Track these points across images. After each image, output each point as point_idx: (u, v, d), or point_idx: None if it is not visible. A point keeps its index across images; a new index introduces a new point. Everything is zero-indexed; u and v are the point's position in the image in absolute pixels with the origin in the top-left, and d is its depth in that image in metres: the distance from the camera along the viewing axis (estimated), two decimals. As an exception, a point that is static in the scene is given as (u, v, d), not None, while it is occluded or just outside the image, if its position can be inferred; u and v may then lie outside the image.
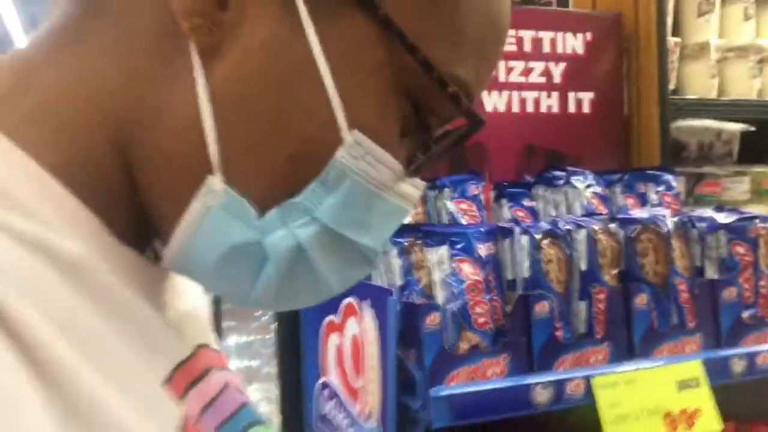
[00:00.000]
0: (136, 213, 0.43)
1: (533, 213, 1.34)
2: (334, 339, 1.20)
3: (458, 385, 0.99)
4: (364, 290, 1.07)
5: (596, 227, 1.10)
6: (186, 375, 0.44)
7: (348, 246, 0.43)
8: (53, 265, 0.36)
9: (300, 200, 0.41)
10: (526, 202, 1.35)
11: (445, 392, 0.96)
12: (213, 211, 0.41)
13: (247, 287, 0.43)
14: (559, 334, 1.06)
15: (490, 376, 1.01)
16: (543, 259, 1.07)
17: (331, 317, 1.20)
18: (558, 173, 1.37)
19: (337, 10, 0.41)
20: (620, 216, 1.15)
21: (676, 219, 1.16)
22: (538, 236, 1.07)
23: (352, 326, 1.13)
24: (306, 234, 0.42)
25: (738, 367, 1.16)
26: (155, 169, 0.42)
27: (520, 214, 1.33)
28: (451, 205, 1.26)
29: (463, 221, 1.23)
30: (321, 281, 0.44)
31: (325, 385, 1.23)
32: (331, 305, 1.18)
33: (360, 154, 0.42)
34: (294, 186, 0.41)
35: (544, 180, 1.38)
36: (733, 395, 1.16)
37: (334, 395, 1.20)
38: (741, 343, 1.19)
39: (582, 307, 1.08)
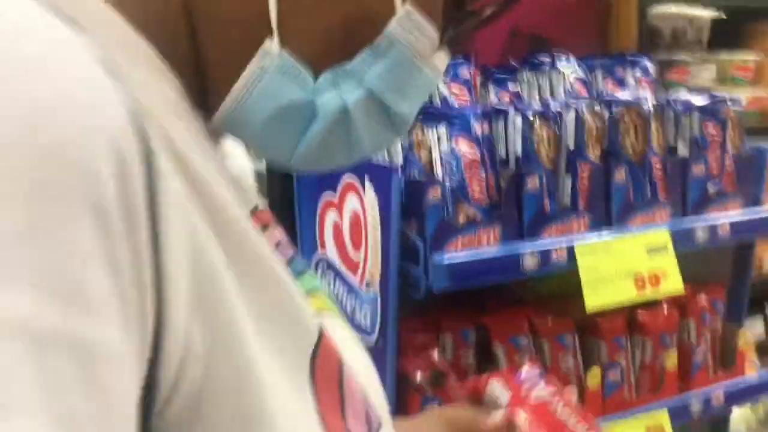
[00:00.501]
0: (196, 85, 0.46)
1: (518, 97, 1.41)
2: (331, 215, 1.28)
3: (456, 252, 1.08)
4: (365, 168, 1.14)
5: (584, 108, 1.18)
6: (257, 221, 0.50)
7: (386, 112, 0.46)
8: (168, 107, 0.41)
9: (352, 66, 0.45)
10: (512, 86, 1.42)
11: (445, 259, 1.06)
12: (269, 73, 0.44)
13: (292, 145, 0.46)
14: (547, 206, 1.15)
15: (485, 245, 1.11)
16: (535, 138, 1.15)
17: (328, 195, 1.27)
18: (543, 58, 1.43)
19: None
20: (605, 97, 1.23)
21: (655, 100, 1.25)
22: (530, 117, 1.15)
23: (351, 203, 1.21)
24: (353, 97, 0.45)
25: (701, 235, 1.28)
26: (218, 33, 0.45)
27: (506, 98, 1.40)
28: (443, 88, 1.32)
29: (456, 104, 1.29)
30: (357, 144, 0.47)
31: (320, 260, 1.32)
32: (328, 184, 1.25)
33: (409, 27, 0.45)
34: (346, 52, 0.45)
35: (530, 64, 1.44)
36: (695, 260, 1.30)
37: (330, 268, 1.29)
38: (705, 214, 1.31)
39: (567, 182, 1.18)
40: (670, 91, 1.48)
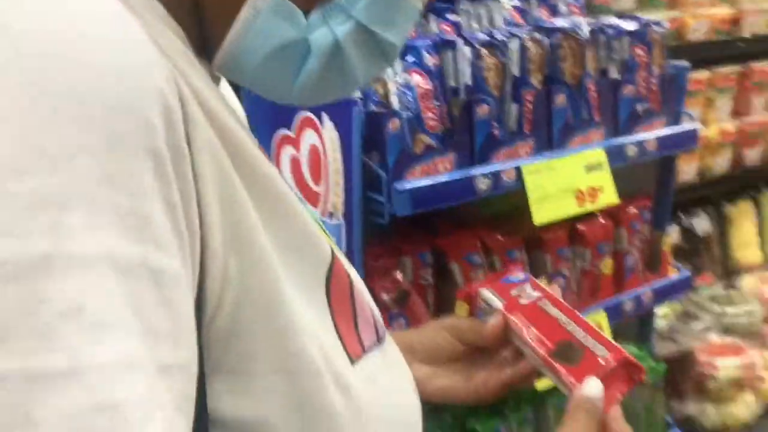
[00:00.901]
0: (195, 32, 0.49)
1: (458, 26, 1.46)
2: (288, 150, 1.32)
3: (416, 179, 1.15)
4: (321, 105, 1.18)
5: (526, 36, 1.25)
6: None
7: (375, 42, 0.49)
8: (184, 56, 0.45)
9: (338, 1, 0.48)
10: (452, 17, 1.46)
11: (406, 186, 1.13)
12: (263, 14, 0.46)
13: (289, 82, 0.49)
14: (496, 132, 1.23)
15: (441, 171, 1.18)
16: (482, 67, 1.21)
17: (283, 132, 1.30)
18: (482, -13, 1.48)
19: None
20: (545, 25, 1.30)
21: (589, 27, 1.33)
22: (477, 47, 1.21)
23: (309, 138, 1.25)
24: (343, 31, 0.48)
25: (631, 152, 1.40)
26: None
27: (447, 27, 1.45)
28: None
29: (402, 35, 1.33)
30: (350, 75, 0.50)
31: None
32: (281, 121, 1.29)
33: None
34: None
35: (469, -6, 1.48)
36: (624, 174, 1.41)
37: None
38: (634, 132, 1.42)
39: (514, 108, 1.25)
40: (599, 16, 1.56)
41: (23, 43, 0.35)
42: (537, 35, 1.27)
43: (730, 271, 2.40)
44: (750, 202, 2.46)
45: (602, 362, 0.64)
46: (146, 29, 0.41)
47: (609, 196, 1.34)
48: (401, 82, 1.17)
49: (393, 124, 1.12)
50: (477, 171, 1.20)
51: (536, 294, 0.73)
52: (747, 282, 2.31)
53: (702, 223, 2.31)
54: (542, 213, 1.25)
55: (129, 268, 0.35)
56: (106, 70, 0.36)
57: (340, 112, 1.14)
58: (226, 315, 0.44)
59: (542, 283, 0.76)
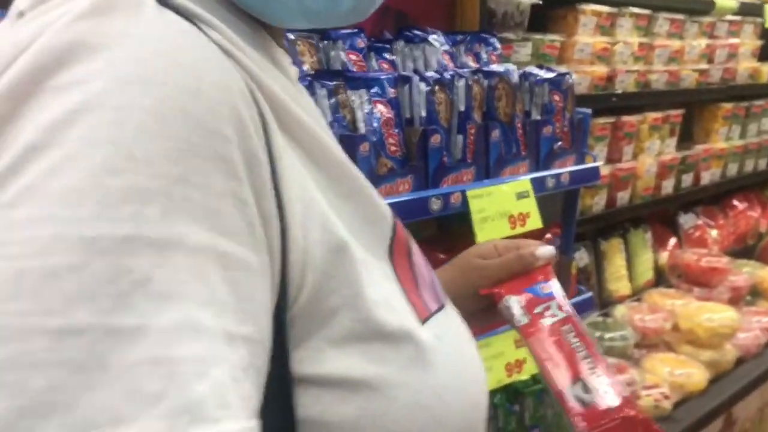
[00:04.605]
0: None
1: (394, 65, 1.60)
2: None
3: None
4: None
5: (470, 77, 1.41)
6: None
7: None
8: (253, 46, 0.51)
9: None
10: (389, 56, 1.61)
11: (373, 203, 1.24)
12: None
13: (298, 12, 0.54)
14: (446, 159, 1.37)
15: (401, 192, 1.30)
16: (435, 101, 1.35)
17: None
18: (417, 32, 1.64)
19: None
20: (485, 69, 1.47)
21: (519, 73, 1.52)
22: (432, 83, 1.35)
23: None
24: None
25: (550, 183, 1.59)
26: None
27: (385, 65, 1.59)
28: (343, 55, 1.47)
29: (355, 69, 1.46)
30: None
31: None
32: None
33: None
34: None
35: (405, 37, 1.64)
36: (545, 205, 1.60)
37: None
38: (552, 166, 1.62)
39: (459, 139, 1.40)
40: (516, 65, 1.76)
41: (115, 70, 0.41)
42: (479, 77, 1.44)
43: (605, 302, 2.68)
44: (620, 239, 2.77)
45: (609, 412, 0.63)
46: (221, 37, 0.47)
47: (535, 221, 1.52)
48: (367, 110, 1.28)
49: (363, 147, 1.23)
50: (431, 193, 1.33)
51: (561, 315, 0.72)
52: (619, 311, 2.59)
53: (582, 257, 2.58)
54: (483, 233, 1.40)
55: (198, 249, 0.41)
56: (185, 92, 0.42)
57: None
58: (309, 294, 0.49)
59: (566, 302, 0.75)
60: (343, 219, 0.52)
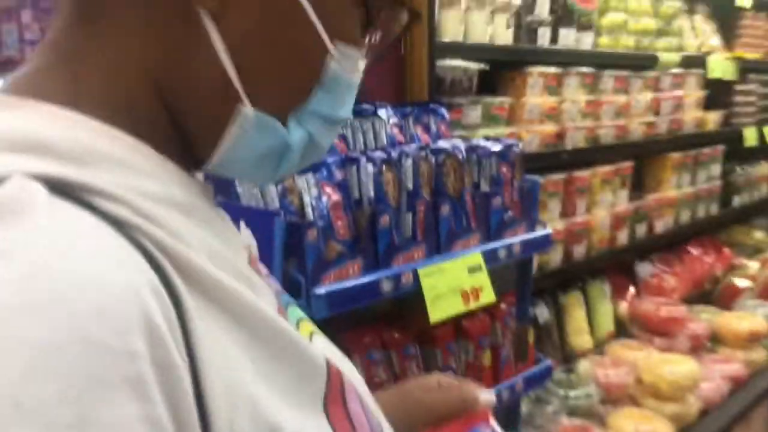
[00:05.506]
0: (178, 144, 0.54)
1: (345, 139, 1.60)
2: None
3: (331, 283, 1.25)
4: (239, 213, 1.25)
5: (417, 155, 1.41)
6: (255, 269, 0.62)
7: (335, 121, 0.59)
8: (173, 208, 0.49)
9: (310, 106, 0.56)
10: (340, 130, 1.61)
11: (322, 290, 1.22)
12: (248, 131, 0.54)
13: (274, 172, 0.58)
14: (395, 239, 1.37)
15: (351, 275, 1.29)
16: (383, 181, 1.35)
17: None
18: (366, 106, 1.65)
19: None
20: (432, 147, 1.48)
21: (466, 147, 1.53)
22: (379, 164, 1.35)
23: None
24: (314, 126, 0.57)
25: (502, 254, 1.59)
26: (194, 109, 0.53)
27: (336, 140, 1.59)
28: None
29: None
30: (319, 151, 0.60)
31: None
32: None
33: (341, 59, 0.56)
34: (302, 95, 0.56)
35: (355, 111, 1.64)
36: (498, 275, 1.60)
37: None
38: (503, 237, 1.62)
39: (409, 217, 1.40)
40: (450, 129, 1.78)
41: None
42: (425, 154, 1.44)
43: (567, 356, 2.67)
44: (579, 292, 2.78)
45: None
46: (125, 209, 0.44)
47: (488, 295, 1.51)
48: (314, 194, 1.27)
49: (311, 233, 1.22)
50: (381, 274, 1.32)
51: None
52: (583, 366, 2.59)
53: (543, 312, 2.58)
54: (436, 312, 1.38)
55: None
56: (84, 314, 0.37)
57: (261, 222, 1.21)
58: None
59: None
60: (273, 383, 0.50)
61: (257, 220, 1.23)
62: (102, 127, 0.48)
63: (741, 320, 2.93)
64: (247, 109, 0.54)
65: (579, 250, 2.72)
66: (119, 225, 0.43)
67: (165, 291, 0.42)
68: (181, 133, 0.54)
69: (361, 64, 0.60)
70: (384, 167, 1.35)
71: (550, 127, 2.53)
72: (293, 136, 0.57)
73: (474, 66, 2.23)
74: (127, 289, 0.40)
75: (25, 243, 0.38)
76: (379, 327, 1.44)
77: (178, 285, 0.44)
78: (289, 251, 1.22)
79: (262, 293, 0.57)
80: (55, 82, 0.50)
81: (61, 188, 0.42)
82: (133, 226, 0.44)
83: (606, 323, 2.89)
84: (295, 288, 1.22)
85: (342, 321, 1.42)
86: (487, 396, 0.81)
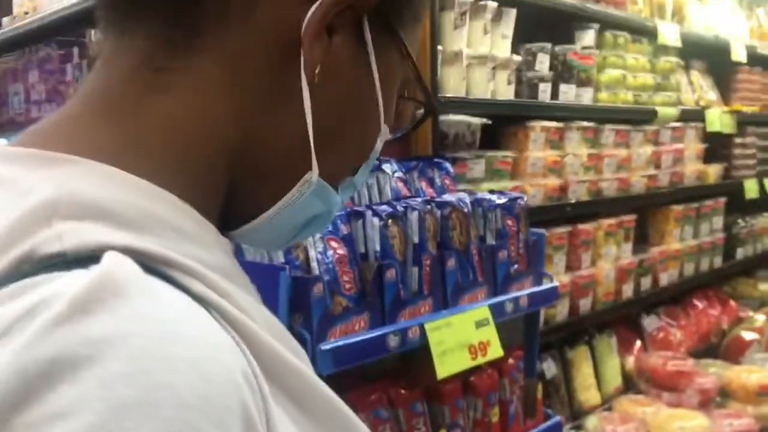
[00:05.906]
0: (219, 208, 0.53)
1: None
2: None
3: (337, 339, 1.23)
4: (246, 267, 1.24)
5: (423, 209, 1.41)
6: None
7: (354, 188, 0.61)
8: (222, 274, 0.47)
9: (356, 179, 0.60)
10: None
11: (329, 346, 1.20)
12: (305, 196, 0.55)
13: (293, 238, 0.59)
14: (402, 293, 1.35)
15: (357, 330, 1.27)
16: (389, 235, 1.35)
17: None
18: (370, 161, 1.66)
19: (378, 41, 0.55)
20: (437, 200, 1.48)
21: (471, 200, 1.53)
22: (384, 217, 1.35)
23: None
24: (346, 196, 0.60)
25: (509, 308, 1.58)
26: (264, 172, 0.54)
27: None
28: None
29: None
30: (330, 220, 0.62)
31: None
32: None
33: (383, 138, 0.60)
34: (355, 167, 0.59)
35: (359, 166, 1.65)
36: (505, 329, 1.58)
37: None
38: (509, 290, 1.61)
39: (415, 271, 1.39)
40: (454, 183, 1.78)
41: (107, 393, 0.35)
42: (431, 207, 1.45)
43: (576, 412, 2.62)
44: (586, 346, 2.75)
45: None
46: (204, 286, 0.42)
47: (495, 350, 1.49)
48: (320, 249, 1.27)
49: (317, 288, 1.21)
50: (388, 329, 1.30)
51: None
52: (591, 422, 2.54)
53: (550, 367, 2.54)
54: (444, 368, 1.36)
55: None
56: (191, 409, 0.36)
57: (266, 277, 1.21)
58: None
59: None
60: None
61: (262, 275, 1.22)
62: (151, 187, 0.46)
63: (750, 374, 2.88)
64: (314, 176, 0.54)
65: (585, 304, 2.69)
66: (202, 302, 0.42)
67: (252, 375, 0.41)
68: (230, 195, 0.54)
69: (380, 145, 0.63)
70: (390, 221, 1.35)
71: (553, 181, 2.54)
72: (334, 204, 0.59)
73: (477, 121, 2.25)
74: (229, 378, 0.39)
75: (131, 333, 0.37)
76: (386, 383, 1.41)
77: (255, 366, 0.43)
78: (295, 306, 1.21)
79: (298, 350, 0.56)
80: (99, 135, 0.47)
81: (144, 262, 0.41)
82: (209, 302, 0.43)
83: (613, 378, 2.85)
84: (300, 344, 1.20)
85: (348, 377, 1.40)
86: None
